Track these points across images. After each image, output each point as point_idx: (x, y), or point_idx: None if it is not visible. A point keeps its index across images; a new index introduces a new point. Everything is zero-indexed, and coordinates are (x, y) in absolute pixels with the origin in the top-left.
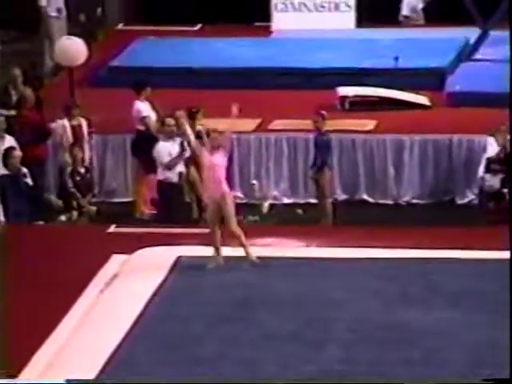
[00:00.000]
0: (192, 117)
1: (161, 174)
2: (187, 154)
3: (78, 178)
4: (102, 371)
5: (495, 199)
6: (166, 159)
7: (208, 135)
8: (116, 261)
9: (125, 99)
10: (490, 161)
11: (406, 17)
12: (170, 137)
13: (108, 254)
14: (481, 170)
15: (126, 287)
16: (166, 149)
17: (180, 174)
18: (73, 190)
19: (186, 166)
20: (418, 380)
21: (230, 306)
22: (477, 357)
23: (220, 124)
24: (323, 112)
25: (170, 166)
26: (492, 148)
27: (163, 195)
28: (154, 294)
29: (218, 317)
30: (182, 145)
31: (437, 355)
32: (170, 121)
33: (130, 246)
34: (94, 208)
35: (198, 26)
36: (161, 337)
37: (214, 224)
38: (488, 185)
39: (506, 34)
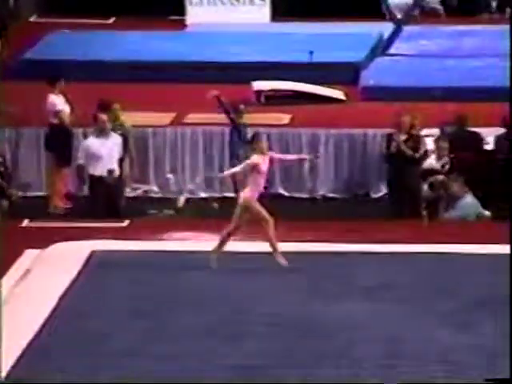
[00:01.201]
0: (105, 110)
1: (91, 169)
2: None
3: (1, 169)
4: (13, 366)
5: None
6: (97, 155)
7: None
8: (29, 255)
9: (38, 92)
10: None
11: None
12: (101, 132)
13: (21, 249)
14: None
15: (39, 282)
16: (95, 145)
17: (110, 171)
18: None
19: (120, 164)
20: (417, 380)
21: (144, 301)
22: (389, 349)
23: (135, 118)
24: (239, 106)
25: None
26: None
27: (91, 190)
28: (68, 289)
29: (132, 312)
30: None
31: (350, 348)
32: (103, 116)
33: (43, 240)
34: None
35: (112, 19)
36: (74, 331)
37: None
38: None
39: (419, 28)
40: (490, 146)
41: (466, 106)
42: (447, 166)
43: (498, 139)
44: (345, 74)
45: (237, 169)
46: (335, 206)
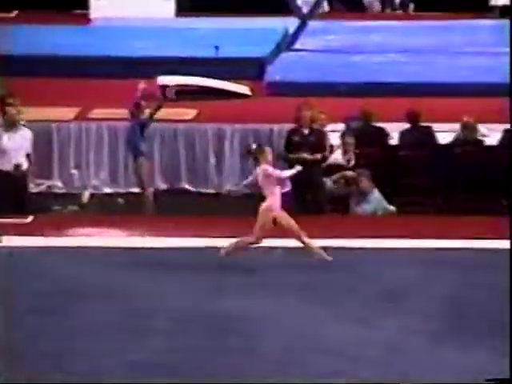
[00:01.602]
0: (4, 104)
1: None
2: None
3: None
4: None
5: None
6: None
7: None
8: None
9: None
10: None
11: None
12: (9, 126)
13: None
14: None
15: None
16: (3, 139)
17: (17, 165)
18: None
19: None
20: (416, 380)
21: (47, 297)
22: (296, 346)
23: (38, 113)
24: (140, 101)
25: None
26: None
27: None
28: None
29: (32, 308)
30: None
31: (256, 345)
32: (11, 110)
33: None
34: None
35: (15, 13)
36: None
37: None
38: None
39: (324, 24)
40: (394, 141)
41: (371, 102)
42: (352, 162)
43: (403, 134)
44: (250, 69)
45: (251, 178)
46: (240, 201)
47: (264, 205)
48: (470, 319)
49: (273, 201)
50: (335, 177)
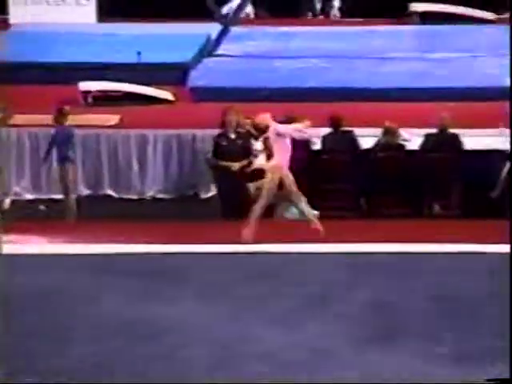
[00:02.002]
0: None
1: None
2: None
3: None
4: None
5: None
6: None
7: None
8: None
9: None
10: None
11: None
12: None
13: None
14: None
15: None
16: None
17: None
18: None
19: None
20: (415, 380)
21: None
22: (222, 352)
23: None
24: (63, 107)
25: None
26: None
27: None
28: None
29: None
30: None
31: (181, 350)
32: None
33: None
34: None
35: None
36: None
37: None
38: None
39: (246, 30)
40: (317, 145)
41: (293, 107)
42: None
43: (325, 139)
44: (173, 74)
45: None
46: (164, 206)
47: (272, 162)
48: (396, 324)
49: (280, 159)
50: (262, 182)
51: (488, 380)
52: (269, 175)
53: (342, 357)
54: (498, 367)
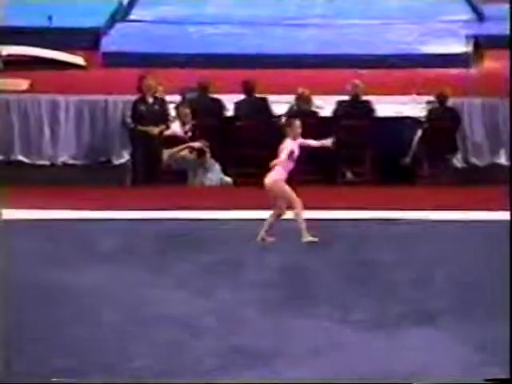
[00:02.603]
0: None
1: None
2: None
3: None
4: None
5: None
6: None
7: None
8: None
9: None
10: None
11: None
12: None
13: None
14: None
15: None
16: None
17: None
18: None
19: None
20: (415, 380)
21: None
22: (128, 314)
23: None
24: None
25: None
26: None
27: None
28: None
29: None
30: None
31: (92, 314)
32: None
33: None
34: None
35: None
36: None
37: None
38: None
39: None
40: (230, 112)
41: (207, 73)
42: (190, 133)
43: (238, 105)
44: (85, 39)
45: (283, 156)
46: (76, 172)
47: (276, 178)
48: (304, 288)
49: (281, 175)
50: (178, 148)
51: (487, 380)
52: (285, 188)
53: (253, 323)
54: (409, 333)
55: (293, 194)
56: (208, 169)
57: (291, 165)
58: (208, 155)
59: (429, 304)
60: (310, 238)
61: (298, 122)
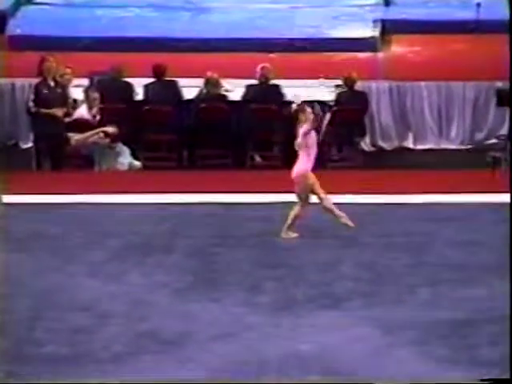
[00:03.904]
0: None
1: None
2: None
3: None
4: None
5: None
6: None
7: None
8: None
9: None
10: None
11: None
12: None
13: None
14: None
15: None
16: None
17: None
18: None
19: None
20: (415, 380)
21: None
22: (41, 302)
23: None
24: None
25: None
26: None
27: None
28: None
29: None
30: None
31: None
32: None
33: None
34: None
35: None
36: None
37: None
38: None
39: None
40: (139, 96)
41: (116, 56)
42: (98, 117)
43: (147, 88)
44: None
45: (299, 140)
46: None
47: (302, 169)
48: (217, 273)
49: (307, 164)
50: (91, 133)
51: (483, 380)
52: (313, 180)
53: (162, 306)
54: (318, 315)
55: (317, 186)
56: (118, 153)
57: (313, 150)
58: (118, 139)
59: (336, 287)
60: (293, 235)
61: (308, 108)
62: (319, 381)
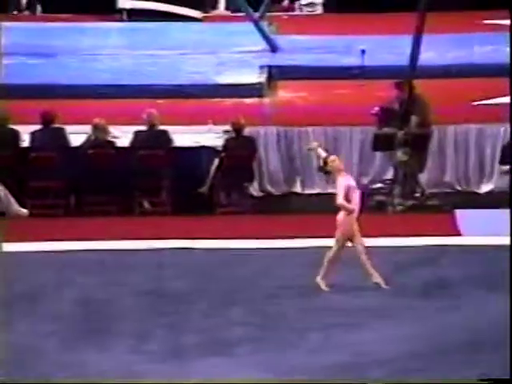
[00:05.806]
0: None
1: None
2: None
3: None
4: None
5: None
6: None
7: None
8: None
9: None
10: None
11: None
12: None
13: None
14: None
15: None
16: None
17: None
18: None
19: None
20: (415, 380)
21: None
22: None
23: None
24: None
25: None
26: None
27: None
28: None
29: None
30: None
31: None
32: None
33: None
34: None
35: None
36: None
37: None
38: None
39: None
40: (26, 143)
41: (1, 103)
42: None
43: (34, 135)
44: None
45: (340, 199)
46: None
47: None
48: (106, 320)
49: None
50: None
51: (482, 380)
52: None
53: (51, 356)
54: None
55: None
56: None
57: (355, 199)
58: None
59: (227, 333)
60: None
61: (336, 158)
62: (320, 381)
